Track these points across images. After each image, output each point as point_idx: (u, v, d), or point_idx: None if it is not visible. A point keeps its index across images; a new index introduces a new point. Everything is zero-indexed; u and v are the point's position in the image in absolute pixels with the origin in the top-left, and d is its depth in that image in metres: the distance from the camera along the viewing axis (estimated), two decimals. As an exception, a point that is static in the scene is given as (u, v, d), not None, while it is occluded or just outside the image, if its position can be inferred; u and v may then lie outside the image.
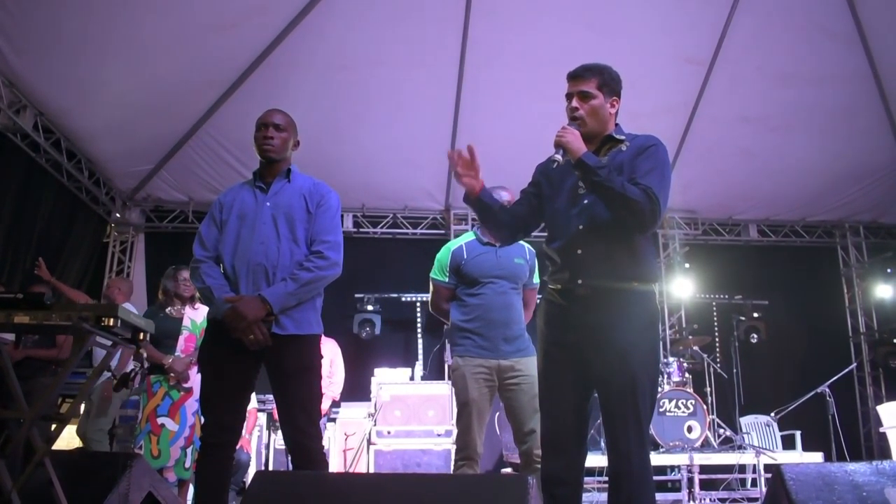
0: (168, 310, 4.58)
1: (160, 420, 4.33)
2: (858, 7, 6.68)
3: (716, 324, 8.63)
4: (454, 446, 6.42)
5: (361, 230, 8.76)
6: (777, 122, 7.62)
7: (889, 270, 8.59)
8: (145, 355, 4.22)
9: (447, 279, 3.89)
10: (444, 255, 3.94)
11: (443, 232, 8.78)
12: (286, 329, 2.85)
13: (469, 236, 3.95)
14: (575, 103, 2.63)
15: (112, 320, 2.51)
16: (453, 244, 3.95)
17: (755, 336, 8.13)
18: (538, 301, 2.82)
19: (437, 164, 8.20)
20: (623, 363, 2.44)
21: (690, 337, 7.42)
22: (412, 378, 7.37)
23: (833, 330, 9.04)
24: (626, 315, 2.50)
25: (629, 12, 6.61)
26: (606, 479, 2.50)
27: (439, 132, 7.76)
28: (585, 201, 2.59)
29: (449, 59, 7.06)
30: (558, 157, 2.50)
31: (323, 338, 6.52)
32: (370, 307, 8.19)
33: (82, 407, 5.50)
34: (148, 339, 3.07)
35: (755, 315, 8.27)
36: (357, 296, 8.22)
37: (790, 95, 7.35)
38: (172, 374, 4.37)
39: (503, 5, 6.67)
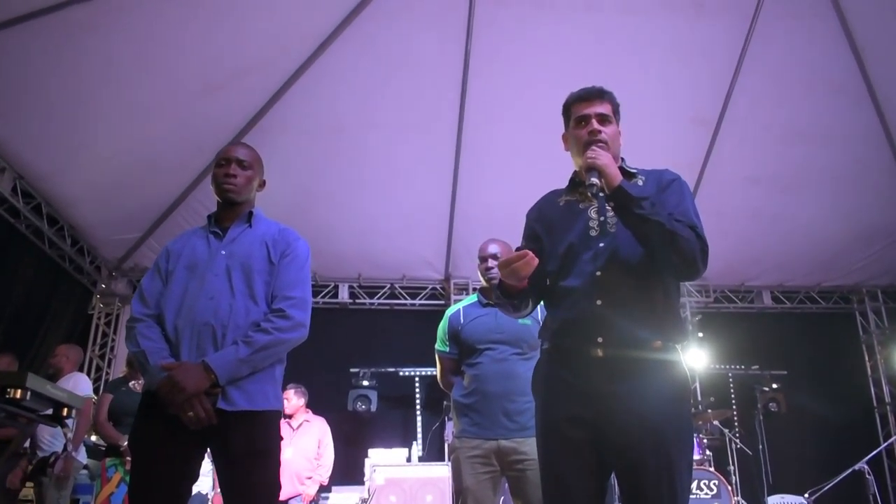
0: (131, 384, 4.13)
1: (114, 510, 3.83)
2: (866, 62, 6.50)
3: (733, 396, 8.16)
4: (455, 535, 5.97)
5: (358, 301, 8.42)
6: (787, 183, 7.38)
7: (912, 335, 8.23)
8: (69, 435, 3.74)
9: (448, 349, 3.48)
10: (443, 322, 3.55)
11: (442, 303, 8.42)
12: (235, 404, 2.34)
13: (470, 299, 3.55)
14: (597, 125, 2.27)
15: (19, 392, 2.03)
16: (452, 309, 3.56)
17: (774, 405, 7.67)
18: (536, 366, 2.34)
19: (437, 232, 7.94)
20: (657, 441, 1.99)
21: (709, 411, 6.94)
22: (409, 459, 6.87)
23: (856, 400, 8.57)
24: (656, 381, 2.06)
25: (633, 71, 6.41)
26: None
27: (438, 197, 7.53)
28: (601, 244, 2.18)
29: (447, 121, 6.87)
30: (595, 180, 2.09)
31: (311, 415, 6.22)
32: (366, 382, 7.76)
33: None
34: (74, 415, 2.63)
35: (774, 386, 7.81)
36: (352, 370, 7.82)
37: (800, 154, 7.13)
38: (129, 458, 3.89)
39: (502, 65, 6.52)
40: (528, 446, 3.06)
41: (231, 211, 2.67)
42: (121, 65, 5.55)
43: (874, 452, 5.64)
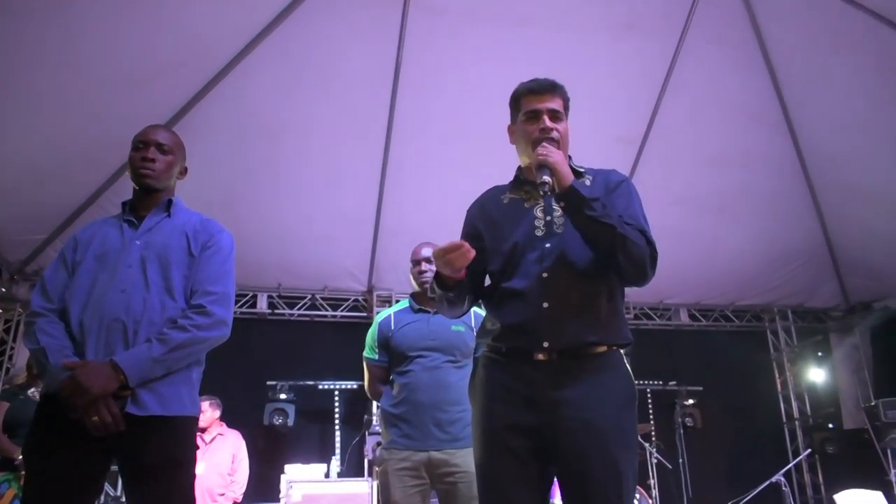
0: (31, 391, 3.80)
1: (5, 529, 3.50)
2: (784, 92, 6.76)
3: (651, 411, 8.29)
4: (374, 553, 5.80)
5: (276, 312, 8.15)
6: (706, 204, 7.56)
7: (820, 354, 8.56)
8: None
9: (377, 356, 3.34)
10: (373, 328, 3.41)
11: (365, 315, 8.25)
12: (147, 408, 2.11)
13: (401, 304, 3.43)
14: (549, 123, 2.19)
15: None
16: (382, 315, 3.42)
17: (689, 420, 7.88)
18: (473, 371, 2.23)
19: (361, 242, 7.78)
20: (604, 449, 1.91)
21: (630, 425, 7.00)
22: (327, 475, 6.68)
23: (768, 415, 8.84)
24: (604, 386, 1.99)
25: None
26: None
27: (363, 208, 7.38)
28: (547, 245, 2.10)
29: (375, 130, 6.75)
30: (547, 178, 2.00)
31: (225, 428, 5.97)
32: (283, 395, 7.51)
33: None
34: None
35: (690, 401, 8.01)
36: (269, 383, 7.55)
37: (719, 177, 7.33)
38: (25, 472, 3.57)
39: (433, 76, 6.46)
40: (460, 458, 2.98)
41: (148, 199, 2.46)
42: (35, 53, 5.19)
43: (790, 465, 5.80)
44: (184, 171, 2.59)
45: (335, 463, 7.16)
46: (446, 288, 2.12)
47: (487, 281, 2.27)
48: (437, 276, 2.13)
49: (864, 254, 8.00)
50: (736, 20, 6.29)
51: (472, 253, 1.99)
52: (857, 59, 6.12)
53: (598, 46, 6.34)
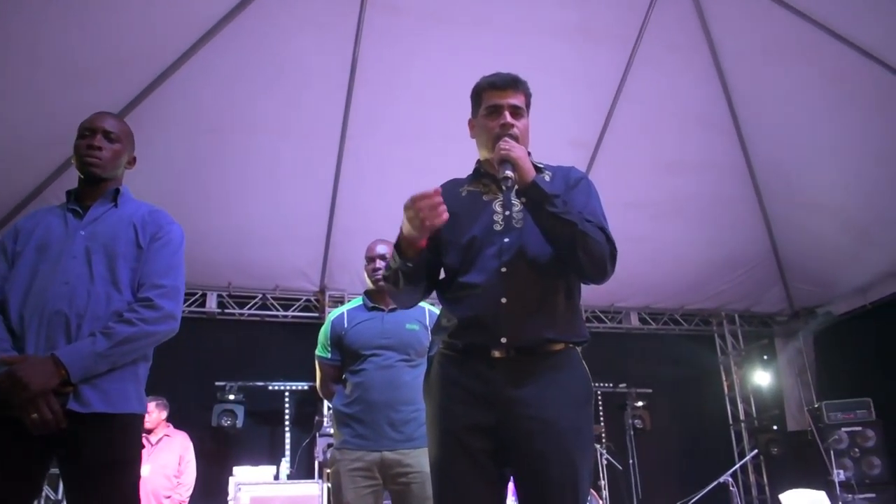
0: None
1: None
2: (734, 100, 6.90)
3: (601, 413, 8.38)
4: (324, 556, 5.74)
5: (226, 311, 7.99)
6: (657, 209, 7.67)
7: (765, 357, 8.76)
8: None
9: (330, 355, 3.27)
10: (325, 326, 3.35)
11: (316, 315, 8.15)
12: (90, 405, 2.01)
13: (355, 302, 3.38)
14: (509, 119, 2.17)
15: None
16: (335, 312, 3.36)
17: (639, 422, 7.99)
18: (428, 369, 2.17)
19: (314, 242, 7.69)
20: (561, 449, 1.89)
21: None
22: (277, 477, 6.58)
23: (715, 417, 9.01)
24: (562, 385, 1.96)
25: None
26: None
27: (317, 206, 7.29)
28: (506, 240, 2.06)
29: (330, 129, 6.68)
30: (510, 173, 1.97)
31: (172, 429, 5.83)
32: (232, 396, 7.36)
33: None
34: None
35: (640, 403, 8.11)
36: (218, 384, 7.40)
37: (670, 183, 7.43)
38: None
39: (389, 76, 6.42)
40: (413, 458, 2.94)
41: (94, 188, 2.38)
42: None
43: (736, 466, 5.91)
44: (132, 161, 2.51)
45: (285, 465, 7.06)
46: (406, 257, 2.06)
47: (443, 275, 2.23)
48: (398, 243, 2.08)
49: (809, 260, 8.21)
50: (689, 28, 6.40)
51: (445, 213, 1.95)
52: (805, 70, 6.28)
53: (554, 49, 6.38)
